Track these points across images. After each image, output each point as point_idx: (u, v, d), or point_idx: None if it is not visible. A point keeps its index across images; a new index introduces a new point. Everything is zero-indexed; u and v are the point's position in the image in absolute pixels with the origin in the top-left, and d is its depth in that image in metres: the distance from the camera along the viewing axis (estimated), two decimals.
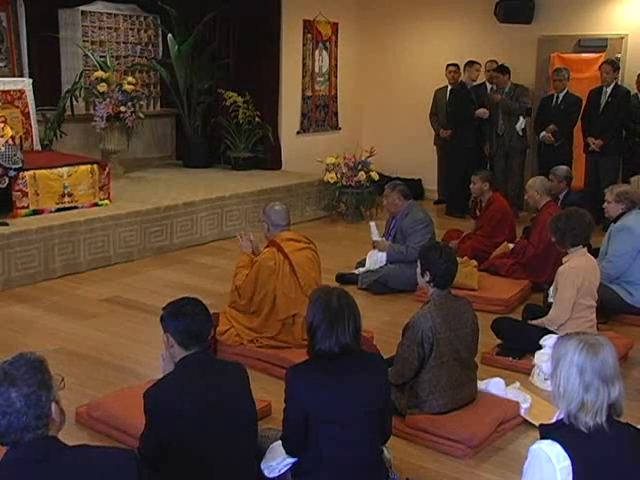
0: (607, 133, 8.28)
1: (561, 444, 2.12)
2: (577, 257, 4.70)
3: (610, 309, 5.37)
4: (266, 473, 3.02)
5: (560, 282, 4.68)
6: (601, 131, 8.29)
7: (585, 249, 4.79)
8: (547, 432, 2.20)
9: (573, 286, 4.60)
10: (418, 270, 3.89)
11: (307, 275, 4.65)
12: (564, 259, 4.78)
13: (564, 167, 7.04)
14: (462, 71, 9.19)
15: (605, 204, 5.75)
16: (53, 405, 2.02)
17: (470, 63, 9.08)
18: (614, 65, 8.39)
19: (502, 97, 8.85)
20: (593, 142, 8.31)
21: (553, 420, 2.28)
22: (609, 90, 8.32)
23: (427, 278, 3.82)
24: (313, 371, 2.90)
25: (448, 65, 9.23)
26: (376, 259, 6.32)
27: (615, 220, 5.69)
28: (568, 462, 2.10)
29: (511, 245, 6.65)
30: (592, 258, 4.86)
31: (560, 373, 2.21)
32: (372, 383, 2.94)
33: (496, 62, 9.18)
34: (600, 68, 8.47)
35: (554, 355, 2.27)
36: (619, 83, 8.48)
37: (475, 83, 9.19)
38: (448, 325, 3.76)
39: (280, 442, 3.01)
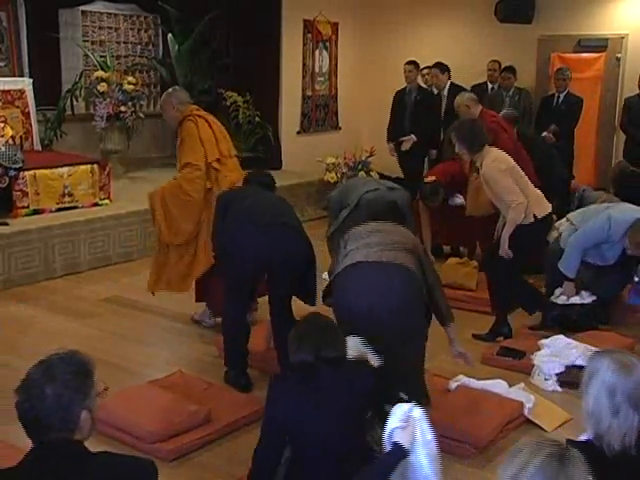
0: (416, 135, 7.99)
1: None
2: (489, 153, 4.81)
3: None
4: None
5: (491, 180, 4.76)
6: (410, 133, 8.02)
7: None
8: None
9: (505, 175, 4.71)
10: None
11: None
12: (478, 162, 4.84)
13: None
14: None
15: None
16: (84, 413, 1.96)
17: (434, 66, 8.45)
18: (416, 64, 8.19)
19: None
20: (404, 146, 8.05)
21: (581, 438, 2.24)
22: (413, 91, 8.09)
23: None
24: (293, 387, 2.78)
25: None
26: None
27: None
28: None
29: None
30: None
31: (590, 392, 2.16)
32: (352, 400, 2.78)
33: (499, 62, 9.10)
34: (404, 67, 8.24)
35: (587, 370, 2.22)
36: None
37: (475, 82, 9.11)
38: None
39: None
